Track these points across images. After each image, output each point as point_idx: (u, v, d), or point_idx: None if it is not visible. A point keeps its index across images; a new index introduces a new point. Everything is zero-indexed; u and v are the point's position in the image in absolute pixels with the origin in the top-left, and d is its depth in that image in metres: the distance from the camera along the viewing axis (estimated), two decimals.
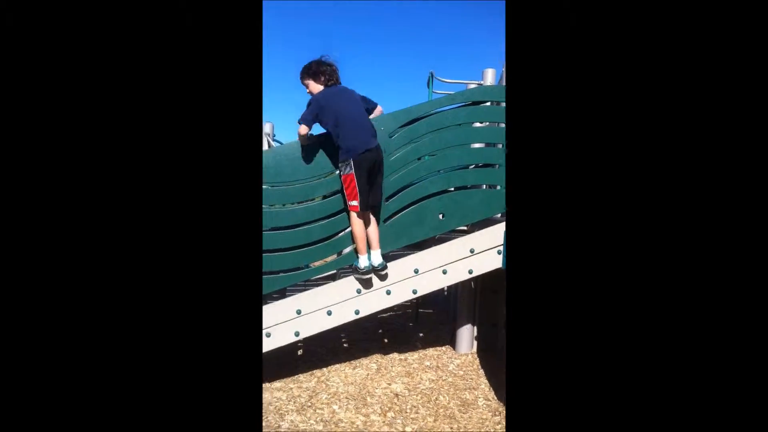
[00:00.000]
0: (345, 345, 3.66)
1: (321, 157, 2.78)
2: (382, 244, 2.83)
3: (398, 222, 2.88)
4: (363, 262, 2.75)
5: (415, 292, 2.89)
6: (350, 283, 2.83)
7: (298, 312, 2.74)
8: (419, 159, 2.93)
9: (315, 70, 2.72)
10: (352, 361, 3.27)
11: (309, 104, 2.68)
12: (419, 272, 2.88)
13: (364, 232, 2.74)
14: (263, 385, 2.87)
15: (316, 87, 2.73)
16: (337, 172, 2.72)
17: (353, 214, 2.69)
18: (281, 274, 2.78)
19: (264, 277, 2.75)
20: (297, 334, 2.74)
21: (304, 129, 2.64)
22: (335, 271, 3.18)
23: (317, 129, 2.76)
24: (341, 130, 2.59)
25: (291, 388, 2.86)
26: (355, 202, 2.61)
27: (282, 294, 2.93)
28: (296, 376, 3.03)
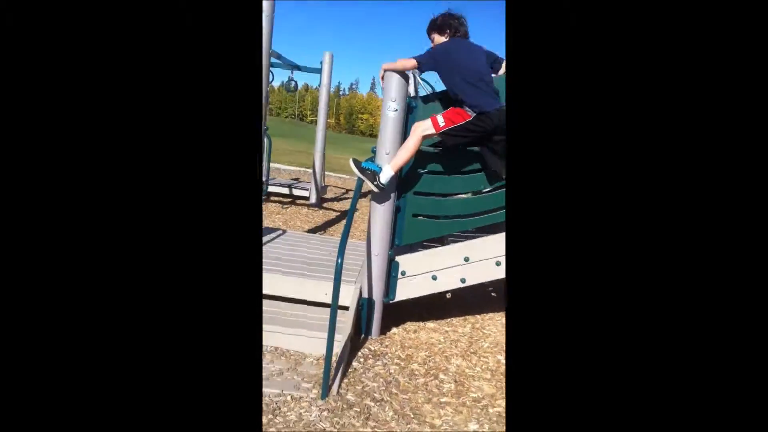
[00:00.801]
0: (493, 294, 3.63)
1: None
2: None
3: None
4: (385, 175, 2.45)
5: None
6: None
7: (466, 259, 2.71)
8: None
9: (440, 23, 2.57)
10: (503, 312, 3.23)
11: (429, 51, 2.54)
12: None
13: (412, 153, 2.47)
14: (417, 324, 2.93)
15: (440, 41, 2.58)
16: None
17: (423, 129, 2.43)
18: (444, 220, 2.75)
19: (429, 221, 2.74)
20: (463, 280, 2.73)
21: (411, 62, 2.46)
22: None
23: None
24: (464, 86, 2.41)
25: (446, 331, 2.89)
26: (437, 127, 2.38)
27: (441, 243, 2.92)
28: (449, 320, 3.05)
